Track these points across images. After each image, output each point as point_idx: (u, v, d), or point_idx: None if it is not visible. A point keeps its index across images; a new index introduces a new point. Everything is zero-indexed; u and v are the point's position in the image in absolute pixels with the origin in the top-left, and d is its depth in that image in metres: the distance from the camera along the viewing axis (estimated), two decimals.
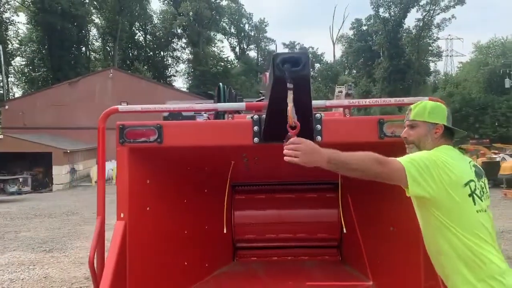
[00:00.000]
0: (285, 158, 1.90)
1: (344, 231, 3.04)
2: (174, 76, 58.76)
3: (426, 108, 2.21)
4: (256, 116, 2.40)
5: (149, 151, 2.49)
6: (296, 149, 1.89)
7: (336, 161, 1.96)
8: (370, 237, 3.09)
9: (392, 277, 2.76)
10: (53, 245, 9.40)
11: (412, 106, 2.27)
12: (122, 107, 2.52)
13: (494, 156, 21.82)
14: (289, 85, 1.74)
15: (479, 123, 40.17)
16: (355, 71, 63.77)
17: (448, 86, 48.87)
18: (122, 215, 2.43)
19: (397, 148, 2.44)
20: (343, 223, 3.05)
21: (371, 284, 2.96)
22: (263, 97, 4.66)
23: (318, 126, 2.38)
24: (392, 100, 2.65)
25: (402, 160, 2.01)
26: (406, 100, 2.65)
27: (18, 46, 46.29)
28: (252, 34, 62.28)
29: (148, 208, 2.61)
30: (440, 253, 2.07)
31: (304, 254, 3.65)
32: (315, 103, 2.54)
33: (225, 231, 3.01)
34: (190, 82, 54.83)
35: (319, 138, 2.38)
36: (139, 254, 2.51)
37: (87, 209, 15.37)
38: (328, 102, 2.80)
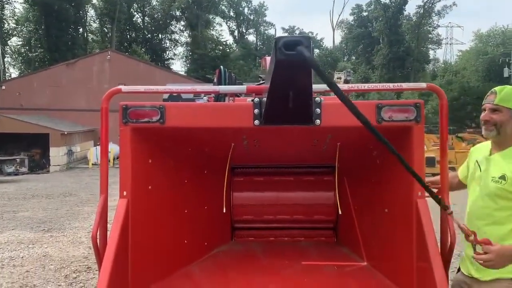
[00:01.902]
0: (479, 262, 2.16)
1: (340, 212, 3.11)
2: (172, 59, 58.46)
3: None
4: (257, 99, 2.44)
5: (152, 131, 2.53)
6: (489, 260, 2.10)
7: None
8: (365, 219, 3.16)
9: (386, 258, 2.83)
10: (51, 225, 9.51)
11: (496, 89, 2.37)
12: (125, 87, 2.55)
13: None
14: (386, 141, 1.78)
15: (476, 112, 40.20)
16: (354, 58, 63.54)
17: (447, 74, 48.82)
18: (124, 193, 2.48)
19: (394, 132, 2.49)
20: (338, 205, 3.13)
21: (365, 265, 3.04)
22: (263, 82, 4.69)
23: (318, 110, 2.42)
24: (391, 85, 2.69)
25: None
26: (404, 85, 2.70)
27: (15, 25, 45.84)
28: (251, 18, 61.78)
29: (150, 187, 2.67)
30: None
31: (301, 235, 3.73)
32: (315, 87, 2.58)
33: (224, 211, 3.08)
34: (188, 65, 54.55)
35: (318, 121, 2.41)
36: (141, 232, 2.57)
37: (85, 191, 15.47)
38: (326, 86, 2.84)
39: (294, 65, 1.81)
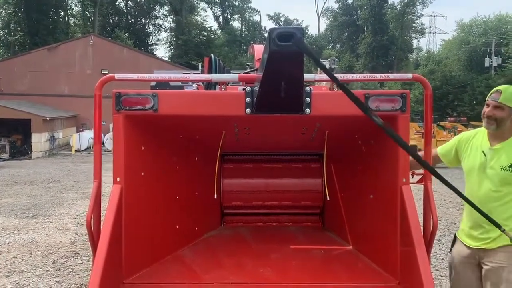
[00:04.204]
0: None
1: (328, 198, 3.22)
2: (156, 44, 57.67)
3: None
4: (248, 88, 2.49)
5: (144, 118, 2.57)
6: None
7: None
8: (351, 205, 3.28)
9: (371, 242, 2.95)
10: (36, 211, 9.44)
11: (501, 88, 2.66)
12: (119, 75, 2.57)
13: None
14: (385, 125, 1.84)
15: (458, 101, 40.92)
16: (339, 46, 63.68)
17: (429, 64, 49.31)
18: (118, 179, 2.53)
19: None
20: (327, 191, 3.23)
21: (350, 248, 3.16)
22: (251, 70, 4.72)
23: (308, 99, 2.48)
24: (378, 76, 2.78)
25: None
26: (391, 76, 2.79)
27: None
28: (236, 3, 61.17)
29: (142, 173, 2.72)
30: None
31: (288, 220, 3.84)
32: (304, 77, 2.65)
33: (215, 197, 3.15)
34: (172, 51, 53.89)
35: (308, 110, 2.48)
36: (134, 216, 2.63)
37: (68, 178, 15.34)
38: (317, 76, 2.91)
39: (287, 56, 1.88)
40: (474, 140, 2.91)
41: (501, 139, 2.75)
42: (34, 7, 40.89)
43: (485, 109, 2.74)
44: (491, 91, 2.78)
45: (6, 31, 44.60)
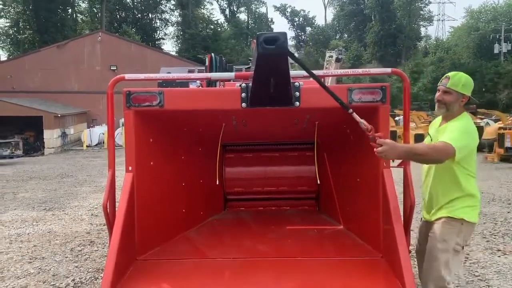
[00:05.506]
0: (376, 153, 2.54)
1: (318, 182, 3.52)
2: (163, 39, 57.90)
3: (461, 81, 2.88)
4: (244, 84, 2.79)
5: (152, 114, 2.88)
6: (384, 150, 2.49)
7: (409, 153, 2.64)
8: (341, 188, 3.58)
9: (358, 222, 3.26)
10: (52, 204, 9.85)
11: (450, 75, 2.92)
12: (128, 75, 2.90)
13: (479, 121, 22.34)
14: (350, 111, 2.38)
15: None
16: (346, 35, 63.33)
17: (438, 51, 48.98)
18: (130, 168, 2.85)
19: (362, 111, 2.88)
20: (317, 176, 3.54)
21: (341, 228, 3.47)
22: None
23: (297, 93, 2.78)
24: (360, 71, 3.07)
25: (451, 140, 2.68)
26: (372, 70, 3.07)
27: (2, 6, 45.05)
28: None
29: (151, 163, 3.04)
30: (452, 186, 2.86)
31: (286, 204, 4.16)
32: (295, 73, 2.96)
33: (217, 183, 3.47)
34: (179, 45, 54.15)
35: (297, 103, 2.77)
36: (145, 201, 2.95)
37: (81, 172, 15.76)
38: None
39: (273, 57, 2.18)
40: (434, 124, 3.18)
41: (449, 119, 2.97)
42: (42, 5, 41.35)
43: (436, 94, 2.98)
44: (442, 78, 3.01)
45: (15, 29, 45.19)
